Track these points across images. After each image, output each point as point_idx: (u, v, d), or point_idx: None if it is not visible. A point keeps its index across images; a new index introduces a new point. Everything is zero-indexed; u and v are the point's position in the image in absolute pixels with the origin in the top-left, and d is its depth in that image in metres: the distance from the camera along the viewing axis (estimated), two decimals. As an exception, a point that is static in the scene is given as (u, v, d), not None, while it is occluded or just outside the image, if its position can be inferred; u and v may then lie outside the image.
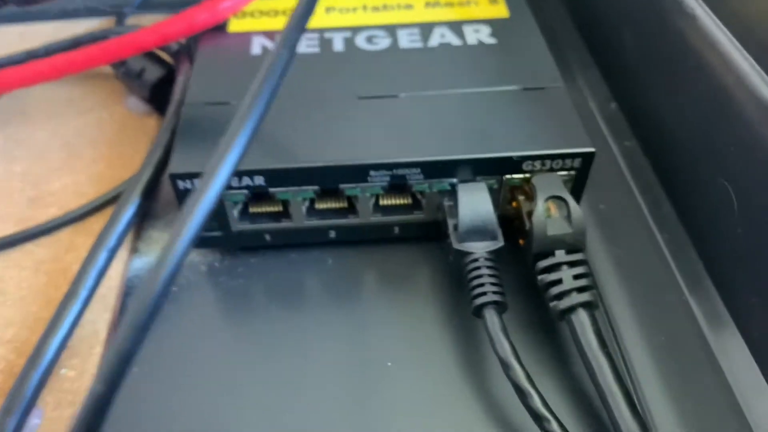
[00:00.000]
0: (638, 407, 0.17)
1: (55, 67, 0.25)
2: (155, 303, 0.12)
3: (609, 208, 0.24)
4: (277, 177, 0.20)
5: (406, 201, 0.22)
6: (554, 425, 0.17)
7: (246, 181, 0.20)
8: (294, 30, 0.18)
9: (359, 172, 0.20)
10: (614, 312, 0.21)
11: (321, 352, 0.20)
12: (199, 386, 0.19)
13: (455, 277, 0.21)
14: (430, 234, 0.22)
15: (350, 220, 0.22)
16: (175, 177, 0.20)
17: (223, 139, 0.15)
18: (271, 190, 0.20)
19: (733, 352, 0.20)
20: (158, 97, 0.27)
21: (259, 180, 0.20)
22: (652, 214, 0.23)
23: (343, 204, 0.22)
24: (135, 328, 0.12)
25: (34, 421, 0.18)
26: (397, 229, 0.22)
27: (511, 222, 0.21)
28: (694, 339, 0.20)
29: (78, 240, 0.23)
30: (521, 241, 0.21)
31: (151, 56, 0.27)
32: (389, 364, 0.20)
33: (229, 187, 0.20)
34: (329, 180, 0.20)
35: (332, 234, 0.22)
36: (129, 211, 0.21)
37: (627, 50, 0.26)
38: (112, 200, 0.24)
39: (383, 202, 0.22)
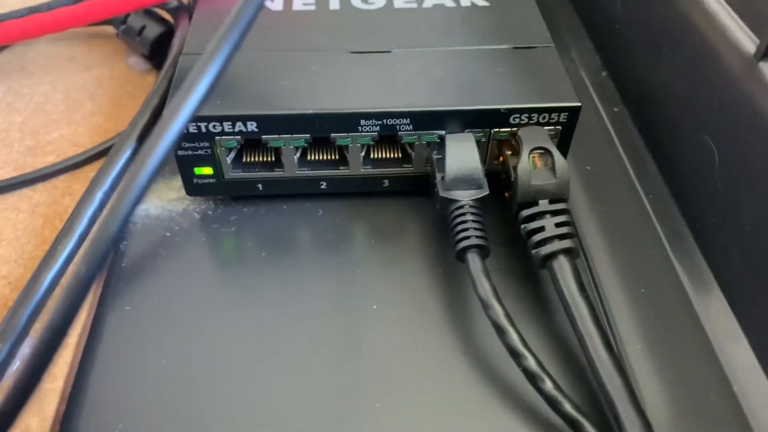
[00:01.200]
0: (615, 349, 0.18)
1: (58, 20, 0.25)
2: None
3: (596, 169, 0.24)
4: (269, 123, 0.20)
5: (396, 154, 0.22)
6: (531, 361, 0.17)
7: (239, 126, 0.20)
8: None
9: (350, 121, 0.21)
10: (597, 265, 0.21)
11: (309, 295, 0.20)
12: (190, 329, 0.20)
13: (442, 229, 0.21)
14: (419, 188, 0.22)
15: (341, 172, 0.22)
16: None
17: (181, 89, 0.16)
18: (264, 137, 0.21)
19: (711, 302, 0.20)
20: (158, 54, 0.27)
21: (252, 126, 0.20)
22: (638, 175, 0.24)
23: (335, 155, 0.22)
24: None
25: (26, 350, 0.19)
26: (386, 182, 0.23)
27: (498, 177, 0.22)
28: (673, 291, 0.20)
29: (75, 186, 0.23)
30: (507, 194, 0.21)
31: (151, 14, 0.27)
32: (375, 306, 0.20)
33: (222, 132, 0.21)
34: (320, 128, 0.21)
35: (323, 185, 0.22)
36: (125, 155, 0.21)
37: (617, 16, 0.27)
38: (109, 149, 0.24)
39: (374, 154, 0.22)
